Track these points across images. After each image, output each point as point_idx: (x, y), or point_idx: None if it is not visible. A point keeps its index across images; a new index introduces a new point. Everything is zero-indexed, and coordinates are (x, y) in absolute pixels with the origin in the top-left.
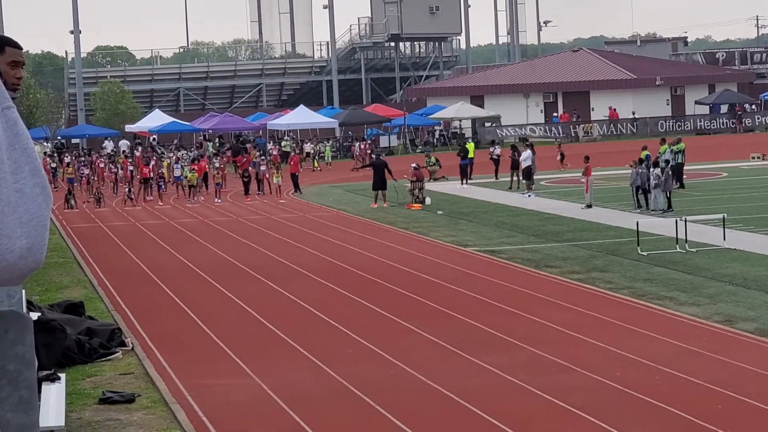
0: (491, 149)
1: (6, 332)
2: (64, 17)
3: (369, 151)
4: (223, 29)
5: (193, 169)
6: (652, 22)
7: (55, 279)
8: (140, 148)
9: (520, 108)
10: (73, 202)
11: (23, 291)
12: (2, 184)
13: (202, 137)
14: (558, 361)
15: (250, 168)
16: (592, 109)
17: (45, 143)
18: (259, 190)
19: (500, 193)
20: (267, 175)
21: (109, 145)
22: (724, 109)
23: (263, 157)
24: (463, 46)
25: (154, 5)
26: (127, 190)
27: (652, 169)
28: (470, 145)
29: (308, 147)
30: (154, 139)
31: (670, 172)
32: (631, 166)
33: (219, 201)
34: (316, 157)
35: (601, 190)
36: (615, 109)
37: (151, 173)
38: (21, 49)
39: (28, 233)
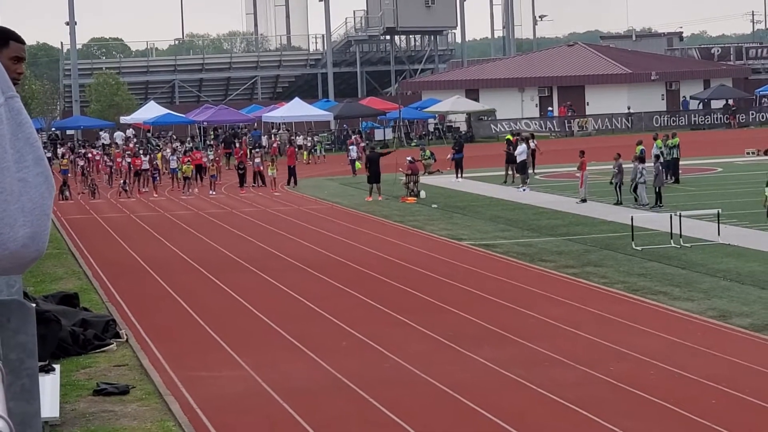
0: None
1: (8, 321)
2: (60, 8)
3: (362, 145)
4: (219, 21)
5: (187, 161)
6: (648, 17)
7: (50, 270)
8: (134, 140)
9: (515, 102)
10: (67, 193)
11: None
12: (5, 173)
13: (170, 138)
14: (552, 355)
15: (246, 160)
16: (587, 104)
17: (39, 134)
18: (254, 182)
19: (495, 187)
20: (261, 168)
21: (105, 137)
22: (694, 105)
23: (257, 149)
24: (458, 39)
25: None
26: (121, 182)
27: (640, 165)
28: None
29: (300, 140)
30: (148, 131)
31: (660, 168)
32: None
33: (213, 193)
34: (311, 150)
35: (595, 185)
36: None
37: (143, 165)
38: (24, 44)
39: (30, 222)
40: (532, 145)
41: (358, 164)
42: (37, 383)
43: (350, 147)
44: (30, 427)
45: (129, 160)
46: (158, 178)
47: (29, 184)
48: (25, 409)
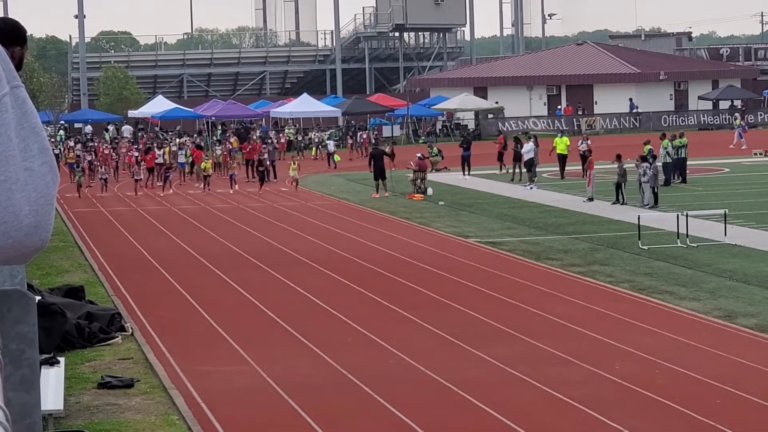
0: (579, 143)
1: (9, 311)
2: (69, 1)
3: (373, 140)
4: (228, 16)
5: (205, 157)
6: (657, 16)
7: (56, 263)
8: (144, 135)
9: (523, 100)
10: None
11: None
12: (11, 162)
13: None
14: (557, 353)
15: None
16: (596, 103)
17: (47, 127)
18: (267, 178)
19: (502, 184)
20: (268, 163)
21: (111, 130)
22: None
23: (265, 145)
24: (467, 37)
25: None
26: (132, 175)
27: (643, 164)
28: (562, 140)
29: (315, 136)
30: (157, 125)
31: (659, 168)
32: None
33: (231, 191)
34: (318, 146)
35: (602, 184)
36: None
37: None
38: (26, 42)
39: (35, 211)
40: (586, 145)
41: (337, 157)
42: (38, 374)
43: (327, 141)
44: (29, 417)
45: (137, 154)
46: (170, 174)
47: (34, 173)
48: (25, 399)
